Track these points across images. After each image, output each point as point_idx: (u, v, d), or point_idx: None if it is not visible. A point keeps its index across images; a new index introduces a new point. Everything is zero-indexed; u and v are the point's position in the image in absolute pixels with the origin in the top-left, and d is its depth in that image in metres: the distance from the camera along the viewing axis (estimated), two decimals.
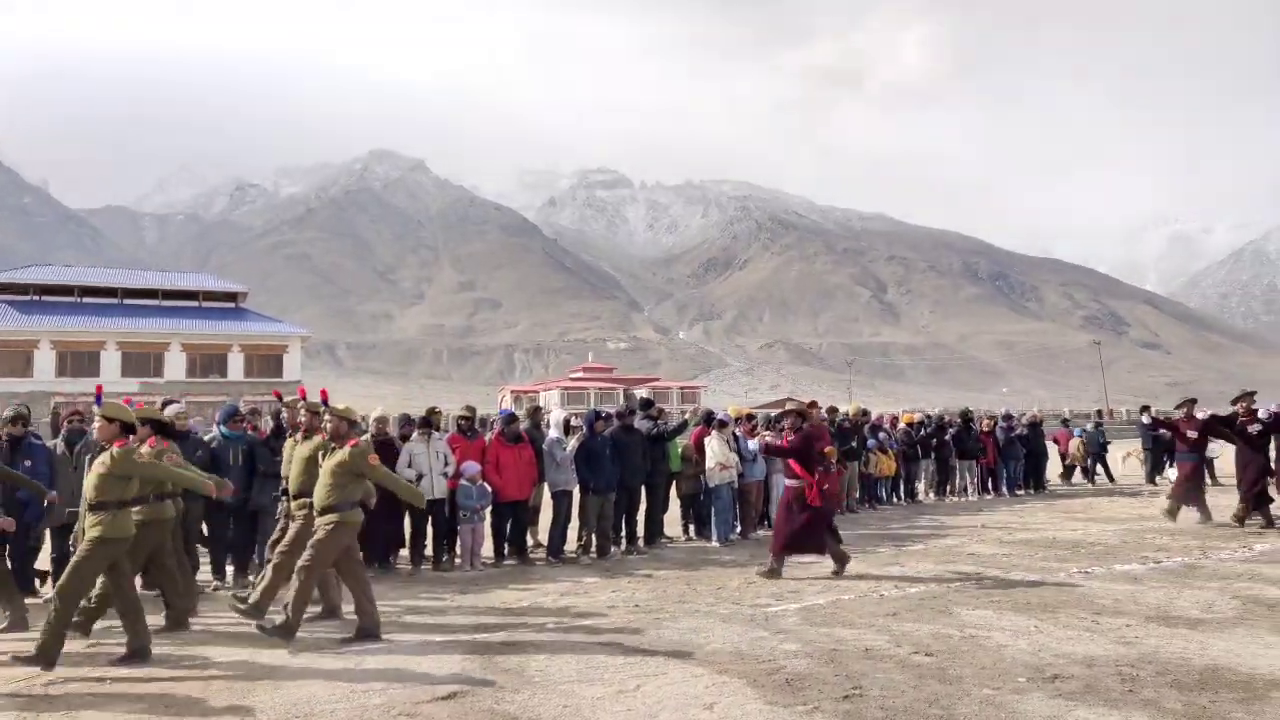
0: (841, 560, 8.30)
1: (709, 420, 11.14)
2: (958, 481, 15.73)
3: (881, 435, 14.17)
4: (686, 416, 11.45)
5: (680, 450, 11.02)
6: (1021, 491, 16.69)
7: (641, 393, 74.49)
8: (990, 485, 16.24)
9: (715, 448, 10.53)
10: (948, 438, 15.59)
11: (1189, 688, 4.81)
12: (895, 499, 14.60)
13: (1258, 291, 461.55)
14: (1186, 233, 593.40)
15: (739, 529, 10.97)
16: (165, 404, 8.35)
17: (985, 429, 16.24)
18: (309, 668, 5.42)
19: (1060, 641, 5.84)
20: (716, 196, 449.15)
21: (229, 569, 8.36)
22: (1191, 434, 11.92)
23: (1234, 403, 11.97)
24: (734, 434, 10.99)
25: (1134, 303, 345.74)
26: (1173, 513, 11.55)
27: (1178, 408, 13.07)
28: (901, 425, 15.17)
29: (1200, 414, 12.68)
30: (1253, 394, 11.91)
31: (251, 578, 8.22)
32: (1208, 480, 14.24)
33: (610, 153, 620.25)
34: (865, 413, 14.47)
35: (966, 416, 16.36)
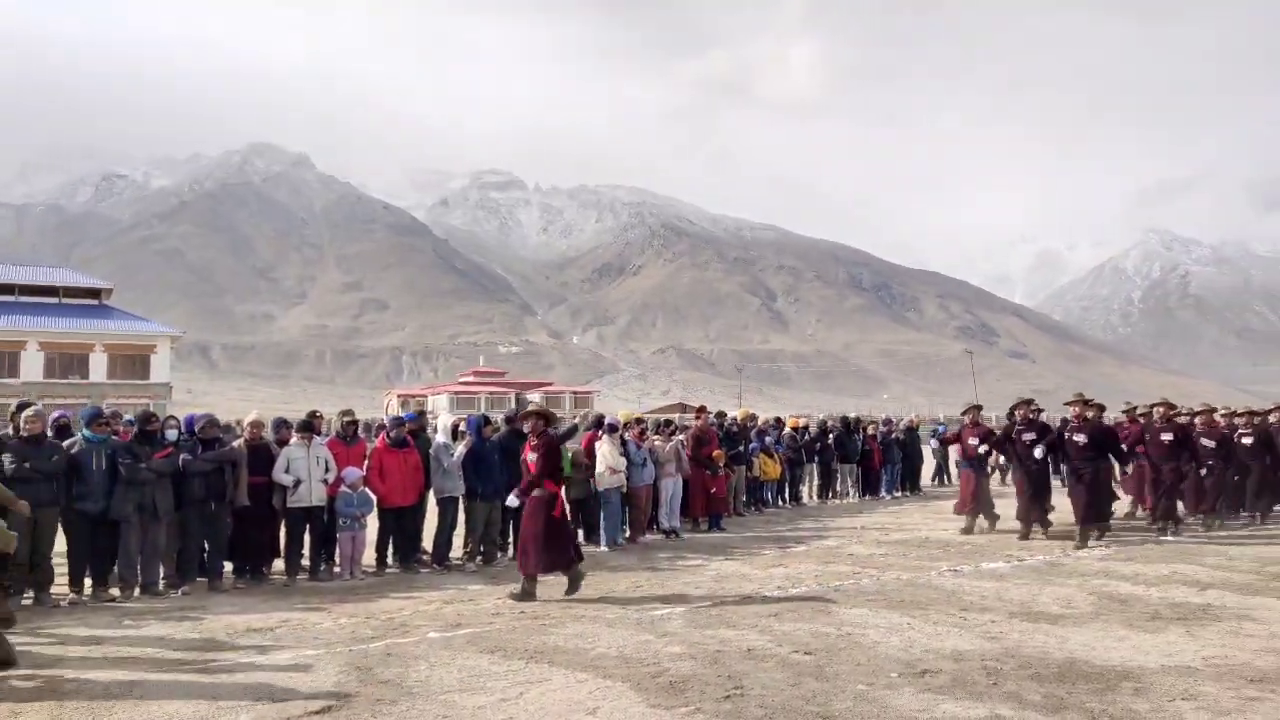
0: (576, 582, 7.57)
1: (599, 425, 11.14)
2: (839, 485, 16.24)
3: (768, 439, 14.49)
4: (577, 421, 11.42)
5: (570, 455, 10.99)
6: (899, 494, 17.38)
7: (534, 397, 73.93)
8: (869, 488, 16.83)
9: (605, 452, 10.54)
10: (830, 442, 16.08)
11: (1048, 680, 5.07)
12: (780, 502, 14.94)
13: (1116, 305, 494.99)
14: (1052, 249, 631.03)
15: (628, 533, 11.02)
16: (21, 406, 7.77)
17: (870, 434, 16.82)
18: (171, 683, 5.14)
19: (930, 637, 6.08)
20: (611, 202, 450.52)
21: (87, 581, 7.83)
22: (972, 443, 11.67)
23: (1013, 411, 11.62)
24: (623, 439, 11.03)
25: (1004, 314, 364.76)
26: (968, 529, 11.23)
27: (963, 413, 12.36)
28: (787, 430, 15.55)
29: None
30: (1029, 401, 11.67)
31: (115, 590, 7.77)
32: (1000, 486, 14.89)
33: (503, 154, 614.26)
34: (753, 417, 14.77)
35: (848, 422, 16.91)
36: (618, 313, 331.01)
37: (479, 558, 9.36)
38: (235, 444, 8.62)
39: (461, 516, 9.56)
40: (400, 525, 9.26)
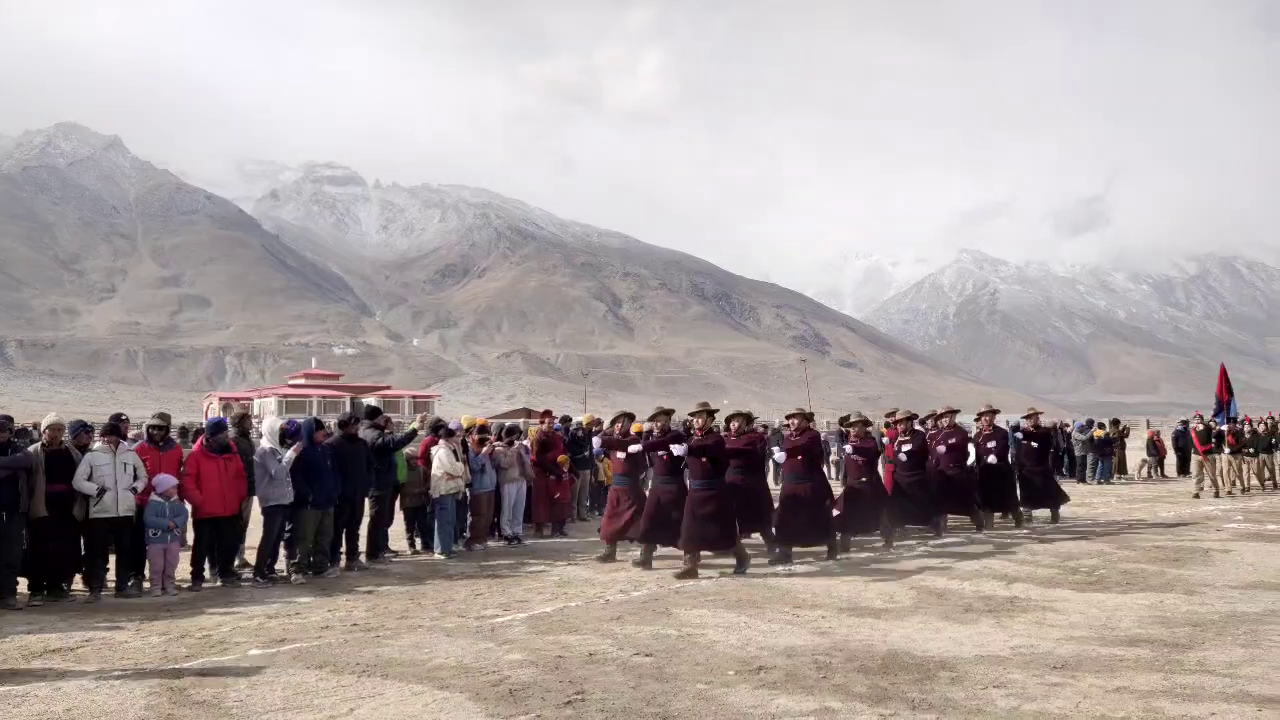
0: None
1: (437, 429, 10.89)
2: None
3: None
4: (414, 425, 11.11)
5: (406, 460, 10.68)
6: None
7: (370, 401, 71.45)
8: None
9: (442, 457, 10.31)
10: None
11: (873, 671, 5.35)
12: None
13: (934, 319, 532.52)
14: (879, 264, 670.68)
15: (466, 540, 10.82)
16: None
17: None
18: None
19: (765, 635, 6.29)
20: (455, 202, 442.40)
21: None
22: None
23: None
24: (463, 444, 10.83)
25: (835, 325, 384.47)
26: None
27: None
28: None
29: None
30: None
31: None
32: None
33: (341, 147, 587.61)
34: (598, 422, 14.85)
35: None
36: (461, 315, 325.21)
37: (308, 569, 8.93)
38: (31, 449, 7.89)
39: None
40: (219, 536, 8.73)
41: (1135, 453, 23.45)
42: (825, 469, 12.48)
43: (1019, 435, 13.19)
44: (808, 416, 10.10)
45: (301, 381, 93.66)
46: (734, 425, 9.83)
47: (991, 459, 12.25)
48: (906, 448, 11.37)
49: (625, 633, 6.40)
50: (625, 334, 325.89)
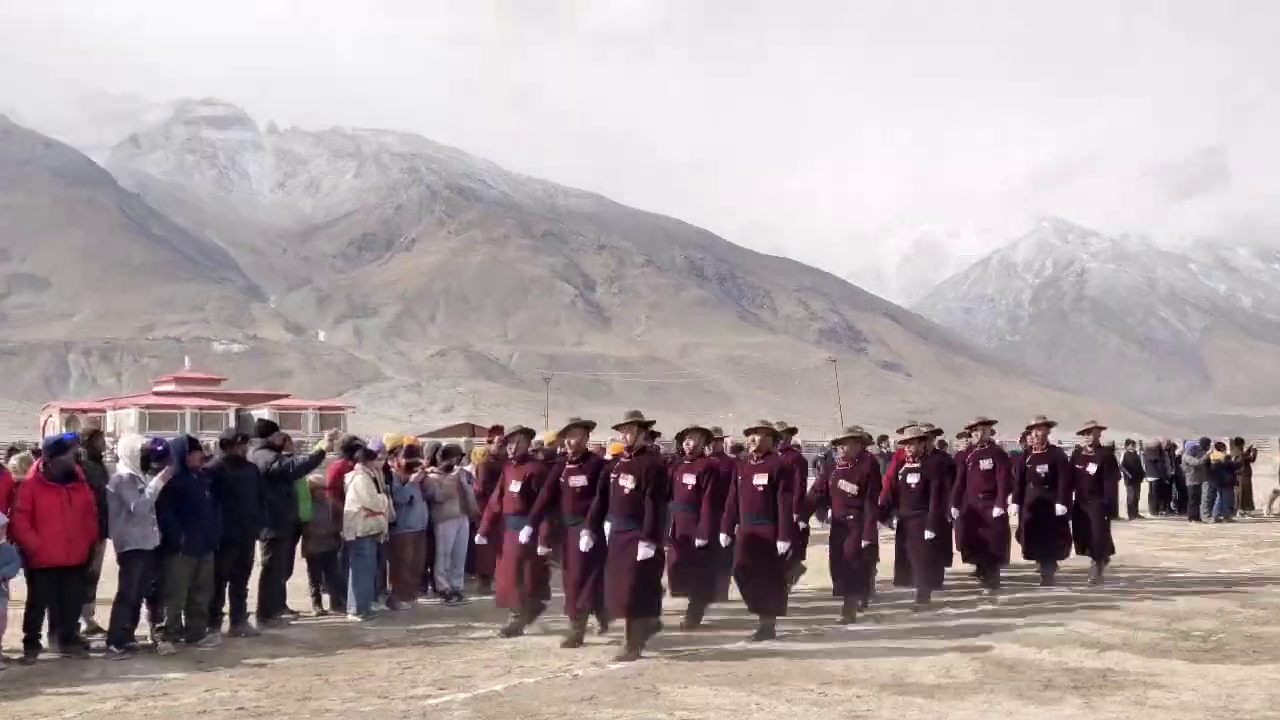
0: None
1: (351, 451, 10.86)
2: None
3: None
4: (322, 446, 11.08)
5: (311, 491, 10.66)
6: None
7: (261, 414, 71.22)
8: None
9: (358, 487, 10.30)
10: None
11: None
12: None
13: (1003, 307, 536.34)
14: (931, 236, 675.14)
15: (388, 596, 10.80)
16: None
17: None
18: None
19: (782, 718, 6.34)
20: (375, 151, 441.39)
21: None
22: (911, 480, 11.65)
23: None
24: (386, 470, 10.82)
25: (874, 315, 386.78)
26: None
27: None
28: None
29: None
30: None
31: None
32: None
33: (222, 80, 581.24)
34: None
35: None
36: (383, 301, 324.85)
37: (180, 635, 8.88)
38: None
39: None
40: (61, 591, 8.67)
41: (1264, 481, 23.57)
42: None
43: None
44: (776, 435, 9.94)
45: (171, 388, 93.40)
46: (688, 445, 9.78)
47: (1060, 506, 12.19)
48: (913, 478, 11.16)
49: (599, 717, 6.41)
50: (600, 326, 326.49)
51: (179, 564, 8.90)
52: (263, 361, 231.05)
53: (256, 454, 10.20)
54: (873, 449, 11.73)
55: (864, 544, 9.98)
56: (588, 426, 9.42)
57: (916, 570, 11.12)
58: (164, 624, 8.90)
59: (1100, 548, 12.51)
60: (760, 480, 9.18)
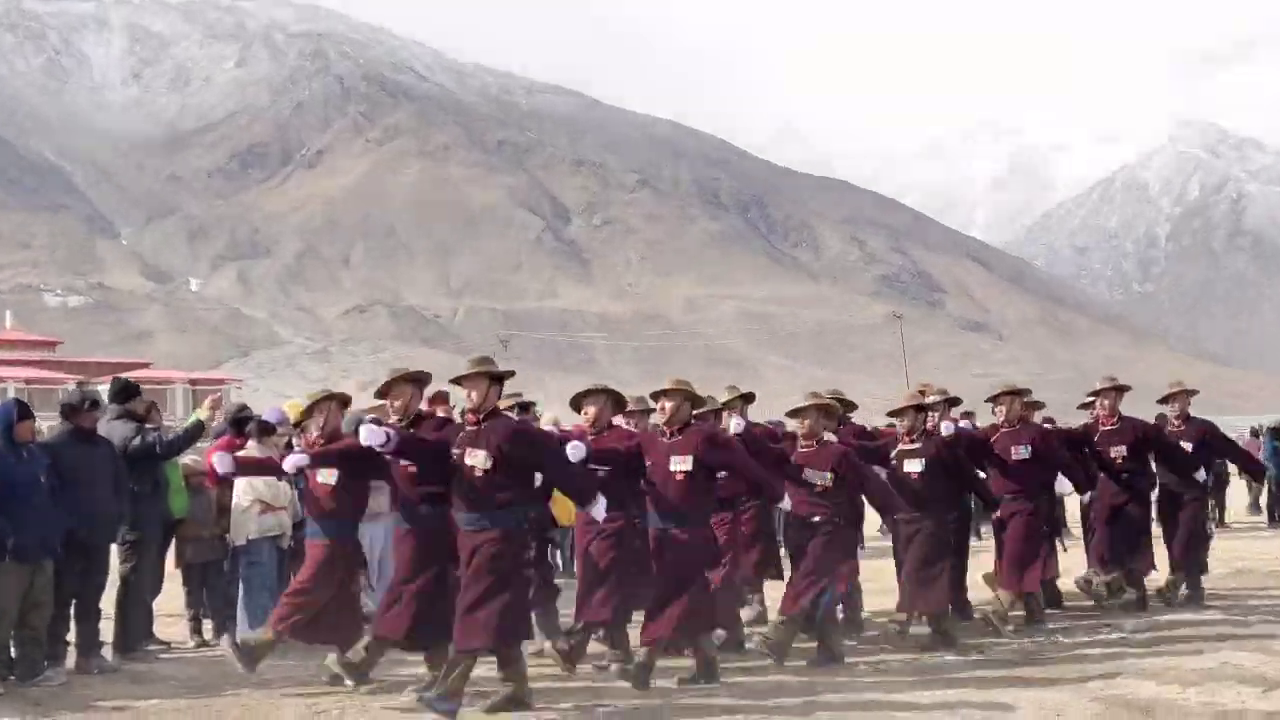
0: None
1: (242, 425, 10.91)
2: None
3: None
4: (200, 415, 11.08)
5: (186, 479, 10.71)
6: None
7: (103, 389, 71.13)
8: None
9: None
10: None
11: None
12: None
13: (1130, 247, 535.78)
14: (1031, 148, 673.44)
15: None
16: None
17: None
18: None
19: None
20: (265, 30, 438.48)
21: None
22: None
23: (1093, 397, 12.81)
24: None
25: (954, 258, 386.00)
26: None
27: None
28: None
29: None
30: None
31: None
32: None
33: None
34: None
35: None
36: (278, 237, 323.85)
37: (8, 671, 8.95)
38: None
39: None
40: None
41: None
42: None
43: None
44: (694, 396, 9.54)
45: None
46: (588, 412, 9.86)
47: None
48: (913, 465, 10.96)
49: None
50: (576, 271, 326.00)
51: (5, 574, 8.94)
52: (113, 319, 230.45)
53: (111, 426, 10.24)
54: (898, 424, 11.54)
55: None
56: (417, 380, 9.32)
57: (923, 594, 10.71)
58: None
59: (1188, 557, 12.71)
60: (681, 465, 8.98)
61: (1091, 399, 12.87)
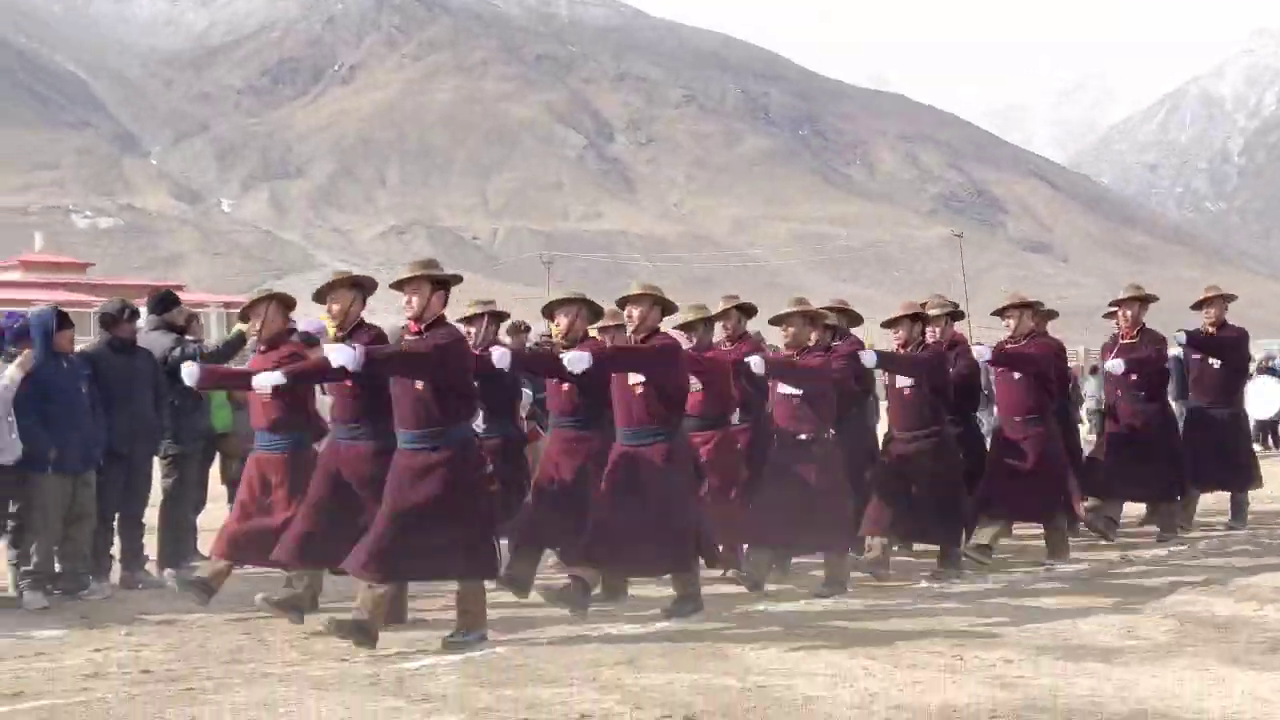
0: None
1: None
2: None
3: None
4: (242, 328, 11.15)
5: (229, 395, 10.89)
6: None
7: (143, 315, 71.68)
8: None
9: None
10: None
11: None
12: None
13: (1203, 162, 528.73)
14: (1099, 61, 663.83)
15: None
16: None
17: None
18: None
19: (903, 688, 6.49)
20: None
21: None
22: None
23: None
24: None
25: (1015, 175, 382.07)
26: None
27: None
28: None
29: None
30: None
31: None
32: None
33: None
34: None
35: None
36: (311, 156, 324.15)
37: (53, 585, 9.11)
38: None
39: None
40: None
41: None
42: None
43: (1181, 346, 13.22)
44: (664, 302, 9.14)
45: (16, 276, 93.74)
46: (560, 323, 9.53)
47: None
48: (906, 379, 10.42)
49: (643, 683, 6.59)
50: (620, 190, 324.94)
51: (48, 485, 9.06)
52: (144, 241, 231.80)
53: (150, 338, 10.33)
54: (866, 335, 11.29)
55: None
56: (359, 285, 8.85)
57: (929, 521, 10.31)
58: (31, 567, 9.10)
59: (1240, 474, 12.49)
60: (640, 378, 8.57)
61: (1114, 310, 12.52)
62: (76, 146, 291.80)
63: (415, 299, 7.95)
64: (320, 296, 8.63)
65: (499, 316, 10.32)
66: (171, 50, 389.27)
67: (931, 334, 10.65)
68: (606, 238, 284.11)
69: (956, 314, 11.53)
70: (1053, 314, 12.84)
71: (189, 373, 8.51)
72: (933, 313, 10.87)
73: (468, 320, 9.96)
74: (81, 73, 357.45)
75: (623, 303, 9.16)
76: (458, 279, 8.45)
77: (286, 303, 9.29)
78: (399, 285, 8.07)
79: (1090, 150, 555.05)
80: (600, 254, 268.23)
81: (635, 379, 8.46)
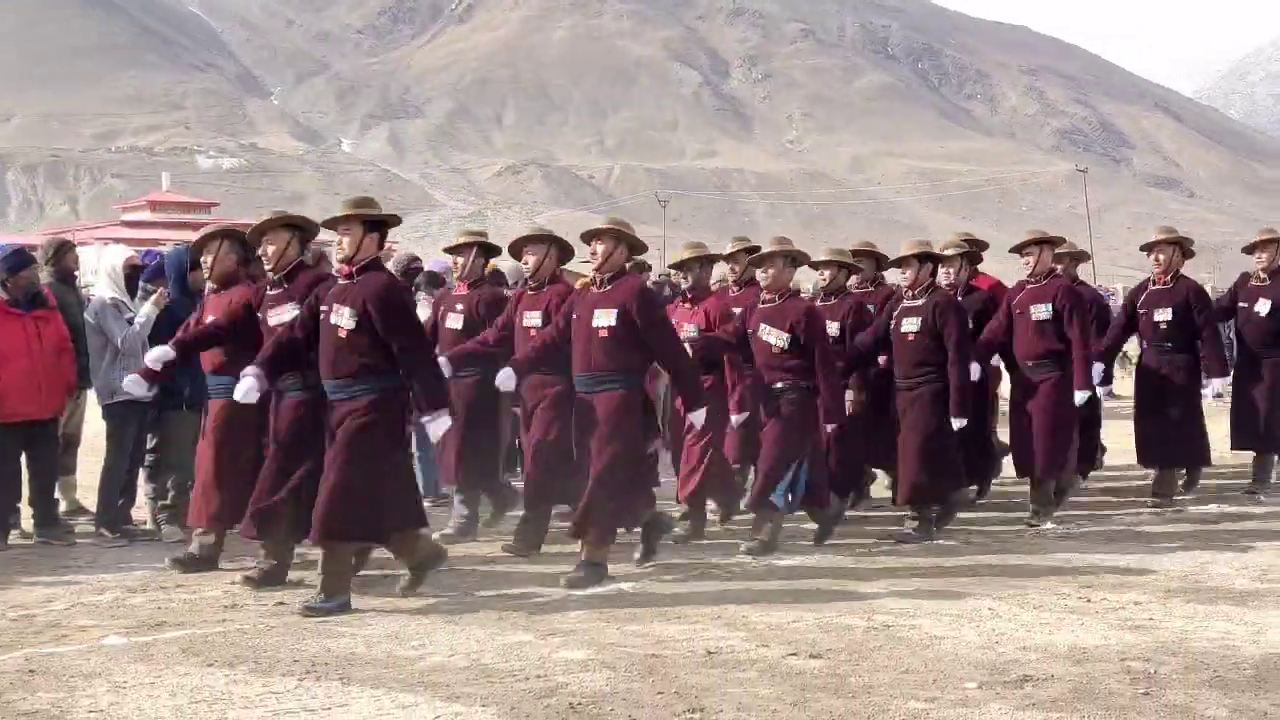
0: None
1: (412, 276, 11.16)
2: None
3: None
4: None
5: None
6: None
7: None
8: None
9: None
10: None
11: (1239, 687, 5.46)
12: None
13: None
14: None
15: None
16: None
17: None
18: None
19: (1030, 629, 6.50)
20: None
21: None
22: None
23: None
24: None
25: (1141, 108, 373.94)
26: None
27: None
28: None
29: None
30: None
31: None
32: None
33: None
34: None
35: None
36: (429, 96, 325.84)
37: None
38: None
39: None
40: (33, 457, 9.13)
41: None
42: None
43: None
44: (632, 241, 8.62)
45: (144, 215, 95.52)
46: (529, 261, 9.17)
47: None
48: (911, 323, 9.75)
49: (768, 620, 6.67)
50: (736, 127, 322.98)
51: (183, 421, 9.21)
52: (266, 181, 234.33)
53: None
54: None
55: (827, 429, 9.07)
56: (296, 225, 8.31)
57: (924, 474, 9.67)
58: (168, 501, 9.30)
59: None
60: (605, 320, 8.11)
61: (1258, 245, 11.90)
62: (201, 88, 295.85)
63: (346, 240, 7.42)
64: (255, 236, 8.02)
65: (489, 250, 9.95)
66: None
67: (946, 275, 10.11)
68: (721, 176, 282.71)
69: (974, 256, 11.01)
70: (1083, 256, 12.52)
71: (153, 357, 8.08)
72: (948, 252, 10.35)
73: (454, 250, 9.69)
74: (205, 15, 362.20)
75: (587, 237, 8.55)
76: (395, 220, 8.00)
77: (241, 240, 8.61)
78: (330, 224, 7.62)
79: (1219, 82, 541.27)
80: (715, 193, 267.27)
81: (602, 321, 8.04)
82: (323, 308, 7.30)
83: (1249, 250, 11.86)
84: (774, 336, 8.85)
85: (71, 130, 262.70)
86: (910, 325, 9.46)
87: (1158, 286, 11.14)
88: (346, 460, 7.06)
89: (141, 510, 9.65)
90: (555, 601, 7.21)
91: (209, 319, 8.23)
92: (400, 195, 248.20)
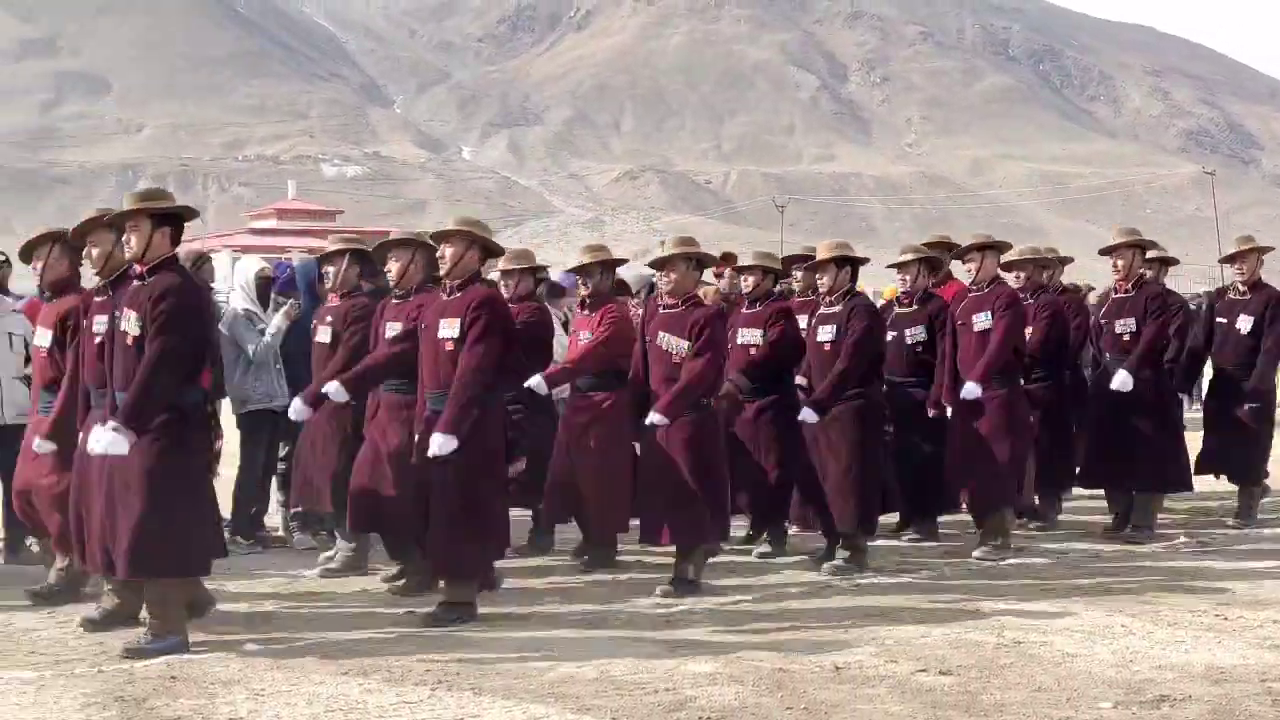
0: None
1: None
2: None
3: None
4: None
5: None
6: None
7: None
8: None
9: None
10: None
11: None
12: None
13: None
14: None
15: None
16: None
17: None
18: None
19: (1165, 647, 6.43)
20: None
21: None
22: None
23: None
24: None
25: (1272, 109, 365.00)
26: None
27: None
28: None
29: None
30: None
31: None
32: None
33: None
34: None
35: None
36: (548, 103, 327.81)
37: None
38: None
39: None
40: None
41: None
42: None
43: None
44: (487, 244, 7.78)
45: (271, 223, 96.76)
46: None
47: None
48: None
49: (897, 636, 6.67)
50: (855, 131, 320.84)
51: None
52: (389, 188, 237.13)
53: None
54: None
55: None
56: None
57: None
58: (301, 510, 9.40)
59: (1243, 462, 10.58)
60: (448, 332, 7.23)
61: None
62: (325, 97, 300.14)
63: (134, 238, 6.62)
64: (79, 235, 7.25)
65: (536, 272, 9.71)
66: (412, 5, 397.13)
67: (901, 282, 9.87)
68: (839, 180, 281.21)
69: (934, 262, 10.22)
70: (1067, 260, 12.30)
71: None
72: (904, 258, 9.88)
73: (326, 259, 8.92)
74: (331, 25, 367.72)
75: (438, 238, 7.73)
76: (192, 213, 7.26)
77: (73, 245, 7.66)
78: (118, 219, 6.81)
79: None
80: (833, 197, 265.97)
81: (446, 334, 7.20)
82: (116, 314, 6.61)
83: (1227, 260, 11.33)
84: (674, 346, 8.02)
85: (199, 140, 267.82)
86: (826, 334, 8.80)
87: (1234, 297, 10.68)
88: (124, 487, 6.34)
89: (274, 518, 9.82)
90: (682, 613, 7.25)
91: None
92: (519, 202, 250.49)
